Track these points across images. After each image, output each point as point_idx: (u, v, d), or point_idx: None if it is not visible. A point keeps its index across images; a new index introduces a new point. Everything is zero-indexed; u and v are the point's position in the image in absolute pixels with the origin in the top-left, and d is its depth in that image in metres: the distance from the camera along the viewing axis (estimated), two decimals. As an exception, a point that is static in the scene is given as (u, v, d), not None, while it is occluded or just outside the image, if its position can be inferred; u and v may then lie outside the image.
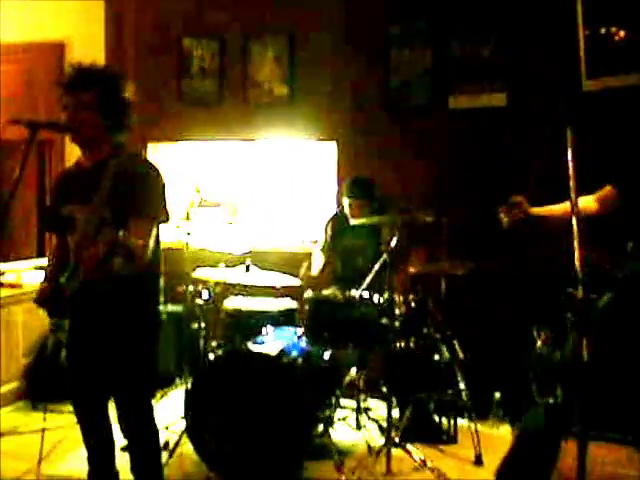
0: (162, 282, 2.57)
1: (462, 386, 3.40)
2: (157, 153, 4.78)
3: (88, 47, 4.72)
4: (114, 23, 4.79)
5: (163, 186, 2.45)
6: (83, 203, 2.39)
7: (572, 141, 1.90)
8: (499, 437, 3.47)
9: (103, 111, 2.40)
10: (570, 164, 1.90)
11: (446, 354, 3.43)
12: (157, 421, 2.57)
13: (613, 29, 3.62)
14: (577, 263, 1.81)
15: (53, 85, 2.50)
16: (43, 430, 2.65)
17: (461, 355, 3.43)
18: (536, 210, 2.39)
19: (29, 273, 4.16)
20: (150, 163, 2.53)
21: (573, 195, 1.87)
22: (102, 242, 2.25)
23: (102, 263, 2.27)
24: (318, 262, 3.98)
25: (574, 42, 3.75)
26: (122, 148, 2.49)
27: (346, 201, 3.81)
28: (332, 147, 4.51)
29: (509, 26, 4.03)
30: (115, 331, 2.42)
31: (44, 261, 4.33)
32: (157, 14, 4.77)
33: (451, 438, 3.44)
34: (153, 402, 2.60)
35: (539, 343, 2.13)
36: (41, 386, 3.93)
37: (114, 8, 4.79)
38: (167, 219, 2.45)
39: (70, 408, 2.64)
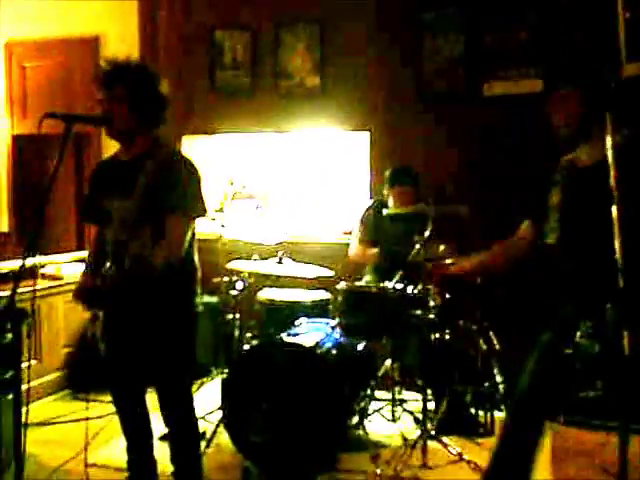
0: (200, 274, 2.61)
1: (499, 378, 3.36)
2: (191, 146, 4.82)
3: (122, 42, 4.79)
4: (147, 18, 4.84)
5: (199, 181, 2.48)
6: (120, 197, 2.44)
7: (612, 127, 1.84)
8: (537, 429, 3.42)
9: (135, 105, 2.43)
10: (609, 152, 1.84)
11: (482, 346, 3.39)
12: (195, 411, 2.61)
13: (655, 11, 3.51)
14: (617, 252, 1.76)
15: (89, 79, 2.55)
16: (87, 419, 2.73)
17: (497, 347, 3.38)
18: (462, 267, 2.58)
19: (69, 265, 4.24)
20: (187, 159, 2.56)
21: (613, 183, 1.81)
22: (142, 242, 2.33)
23: (144, 261, 2.33)
24: (354, 247, 3.99)
25: (614, 25, 3.64)
26: (159, 143, 2.52)
27: (390, 191, 3.78)
28: (365, 137, 4.48)
29: (545, 10, 3.93)
30: (153, 321, 2.46)
31: (84, 253, 4.43)
32: (189, 7, 4.79)
33: (488, 431, 3.40)
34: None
35: (578, 334, 2.08)
36: (82, 376, 4.02)
37: (147, 3, 4.84)
38: (204, 213, 2.49)
39: (110, 398, 2.71)
